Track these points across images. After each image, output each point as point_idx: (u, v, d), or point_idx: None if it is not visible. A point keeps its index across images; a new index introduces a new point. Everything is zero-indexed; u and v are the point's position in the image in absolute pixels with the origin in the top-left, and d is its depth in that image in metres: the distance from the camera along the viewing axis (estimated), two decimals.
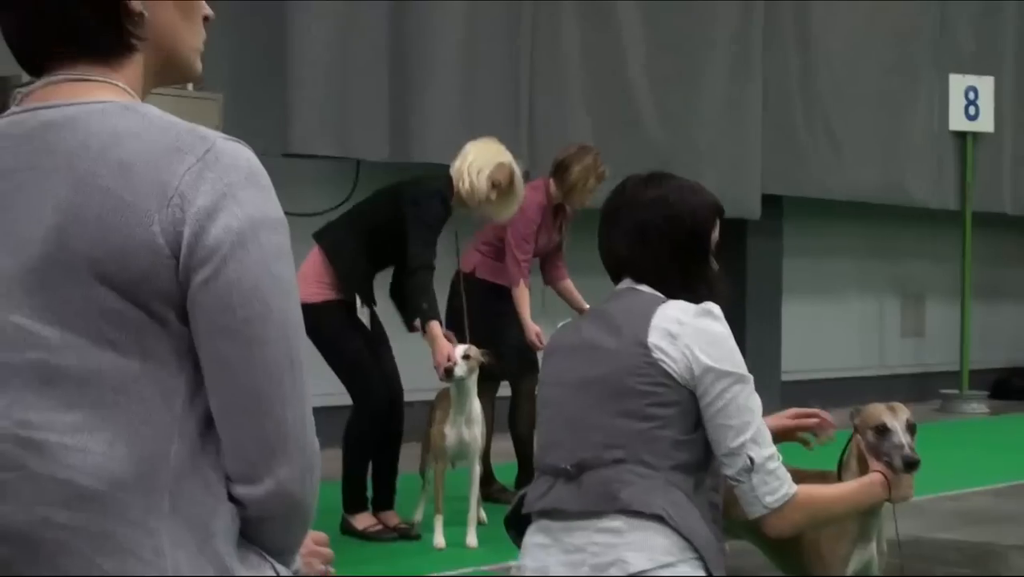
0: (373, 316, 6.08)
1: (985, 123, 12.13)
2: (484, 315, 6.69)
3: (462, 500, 5.91)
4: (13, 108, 1.73)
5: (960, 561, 5.59)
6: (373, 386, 5.91)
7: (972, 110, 12.04)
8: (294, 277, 1.70)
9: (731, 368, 2.63)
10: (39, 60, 1.74)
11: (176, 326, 1.64)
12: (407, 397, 7.51)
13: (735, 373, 2.64)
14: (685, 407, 2.64)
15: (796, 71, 10.91)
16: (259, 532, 1.71)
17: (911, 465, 2.93)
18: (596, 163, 6.80)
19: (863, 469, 3.02)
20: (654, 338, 2.65)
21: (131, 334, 1.63)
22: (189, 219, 1.61)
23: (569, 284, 7.13)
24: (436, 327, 5.72)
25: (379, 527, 5.94)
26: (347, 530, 5.95)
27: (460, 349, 5.67)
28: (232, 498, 1.68)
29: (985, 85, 12.09)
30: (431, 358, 5.76)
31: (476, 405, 5.82)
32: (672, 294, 2.76)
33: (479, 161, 5.96)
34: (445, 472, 5.83)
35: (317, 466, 1.73)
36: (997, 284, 13.46)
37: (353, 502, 5.98)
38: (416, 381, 6.96)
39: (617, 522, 2.62)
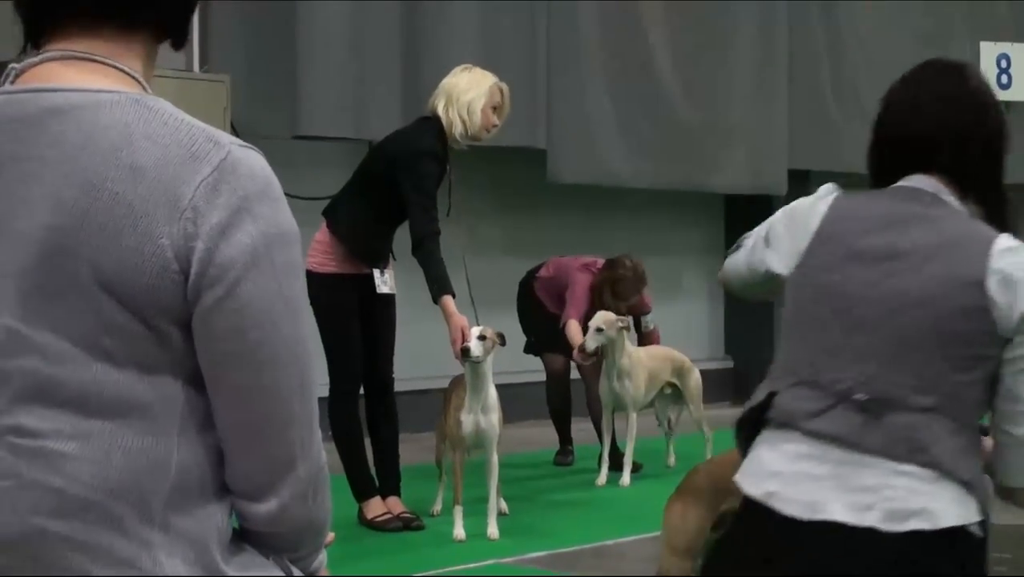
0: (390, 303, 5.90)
1: (1018, 91, 11.88)
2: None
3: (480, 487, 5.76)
4: (7, 86, 1.62)
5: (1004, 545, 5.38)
6: (349, 368, 5.76)
7: (1004, 78, 11.82)
8: (304, 293, 1.68)
9: None
10: (44, 24, 1.63)
11: (177, 341, 1.58)
12: (427, 385, 7.39)
13: None
14: (995, 365, 2.39)
15: (823, 42, 10.76)
16: (270, 543, 1.72)
17: None
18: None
19: None
20: (992, 282, 2.37)
21: (129, 346, 1.56)
22: (202, 235, 1.54)
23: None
24: (449, 302, 5.52)
25: (387, 516, 5.80)
26: (363, 521, 5.83)
27: (475, 331, 5.50)
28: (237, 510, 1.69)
29: (1018, 53, 11.88)
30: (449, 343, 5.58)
31: (492, 390, 5.63)
32: (988, 210, 2.53)
33: (466, 96, 5.73)
34: (464, 461, 5.67)
35: (324, 482, 1.73)
36: None
37: (355, 489, 5.84)
38: (436, 368, 6.84)
39: (926, 471, 2.34)
